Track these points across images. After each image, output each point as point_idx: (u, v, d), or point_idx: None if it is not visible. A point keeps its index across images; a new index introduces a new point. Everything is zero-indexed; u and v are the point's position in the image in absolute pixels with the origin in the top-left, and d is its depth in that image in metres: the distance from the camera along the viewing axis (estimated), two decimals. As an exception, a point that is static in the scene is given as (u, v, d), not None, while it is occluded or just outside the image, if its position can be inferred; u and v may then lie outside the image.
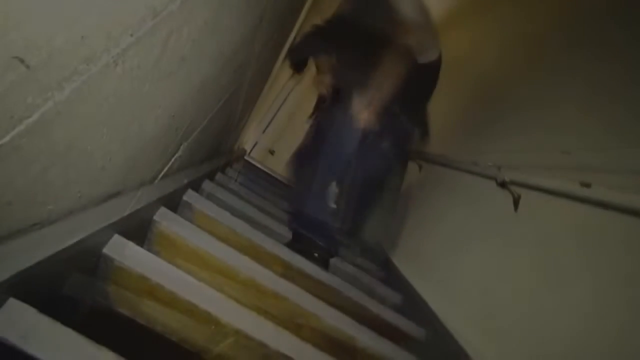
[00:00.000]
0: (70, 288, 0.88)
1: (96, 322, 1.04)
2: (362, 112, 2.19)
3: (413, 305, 1.94)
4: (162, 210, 1.33)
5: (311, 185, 2.28)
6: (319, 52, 2.56)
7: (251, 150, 4.53)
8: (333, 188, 2.49)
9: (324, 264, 2.10)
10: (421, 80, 2.40)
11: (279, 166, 4.66)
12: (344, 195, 2.42)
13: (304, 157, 2.47)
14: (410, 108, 2.40)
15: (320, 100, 2.64)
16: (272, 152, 5.79)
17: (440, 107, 3.23)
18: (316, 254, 2.10)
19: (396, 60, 2.20)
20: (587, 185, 1.25)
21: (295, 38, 3.06)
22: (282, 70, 3.60)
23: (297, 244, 2.09)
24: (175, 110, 1.16)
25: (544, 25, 2.30)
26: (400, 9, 2.14)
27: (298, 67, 2.76)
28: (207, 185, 1.98)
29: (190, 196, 1.63)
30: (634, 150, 1.26)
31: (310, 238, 2.16)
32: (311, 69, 2.80)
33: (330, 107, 2.44)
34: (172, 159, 1.46)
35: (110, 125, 0.80)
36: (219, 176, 2.36)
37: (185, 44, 0.95)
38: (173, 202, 1.51)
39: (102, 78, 0.67)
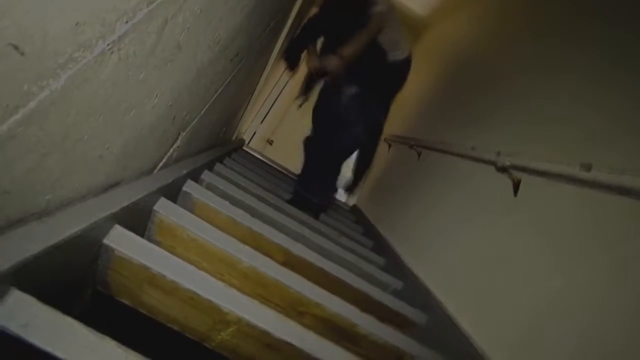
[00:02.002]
0: (70, 278, 0.88)
1: (97, 312, 1.04)
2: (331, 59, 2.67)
3: (414, 291, 1.94)
4: (162, 200, 1.32)
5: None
6: (309, 41, 3.02)
7: (250, 140, 4.52)
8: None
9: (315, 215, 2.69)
10: (390, 77, 2.90)
11: (278, 156, 4.66)
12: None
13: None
14: (379, 98, 2.89)
15: (308, 78, 3.04)
16: (270, 142, 5.78)
17: (438, 93, 3.23)
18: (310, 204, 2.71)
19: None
20: (587, 167, 1.25)
21: (291, 31, 3.20)
22: (279, 59, 3.58)
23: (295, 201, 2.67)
24: (172, 98, 1.15)
25: (540, 9, 2.29)
26: (372, 9, 2.60)
27: (292, 64, 3.14)
28: (206, 175, 1.98)
29: (189, 186, 1.63)
30: (634, 131, 1.25)
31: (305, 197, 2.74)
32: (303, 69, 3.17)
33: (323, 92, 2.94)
34: (171, 149, 1.45)
35: (107, 114, 0.80)
36: (218, 166, 2.35)
37: (181, 31, 0.94)
38: (173, 193, 1.50)
39: (98, 65, 0.67)
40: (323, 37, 2.98)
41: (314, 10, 3.52)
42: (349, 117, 2.77)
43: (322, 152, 2.89)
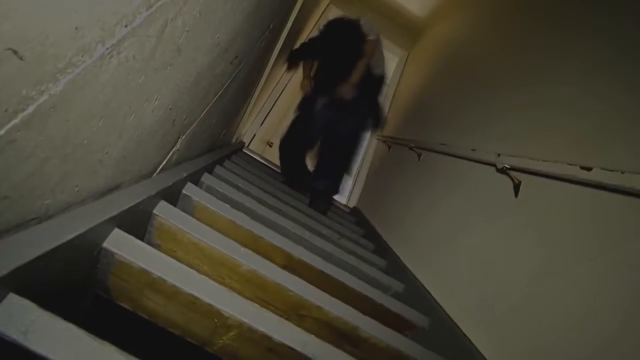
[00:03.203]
0: (70, 283, 0.87)
1: (97, 317, 1.04)
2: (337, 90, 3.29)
3: (415, 293, 1.94)
4: (162, 203, 1.32)
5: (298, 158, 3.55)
6: (306, 57, 3.72)
7: (250, 143, 4.52)
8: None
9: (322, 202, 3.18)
10: (373, 86, 3.53)
11: (278, 158, 4.65)
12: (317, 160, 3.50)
13: (292, 137, 3.54)
14: (367, 103, 3.48)
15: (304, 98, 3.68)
16: (270, 144, 5.78)
17: (438, 94, 3.23)
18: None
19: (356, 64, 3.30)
20: (587, 168, 1.24)
21: (291, 33, 3.39)
22: (279, 62, 3.59)
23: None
24: (172, 102, 1.15)
25: (540, 11, 2.29)
26: (367, 37, 3.30)
27: (292, 66, 3.86)
28: (206, 178, 1.97)
29: (189, 189, 1.63)
30: (635, 130, 1.25)
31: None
32: (299, 71, 3.88)
33: (309, 97, 3.55)
34: (171, 152, 1.45)
35: (107, 118, 0.79)
36: (218, 169, 2.35)
37: (180, 34, 0.94)
38: (172, 196, 1.50)
39: (98, 69, 0.67)
40: (319, 59, 3.64)
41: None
42: (339, 116, 3.35)
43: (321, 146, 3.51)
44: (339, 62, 3.37)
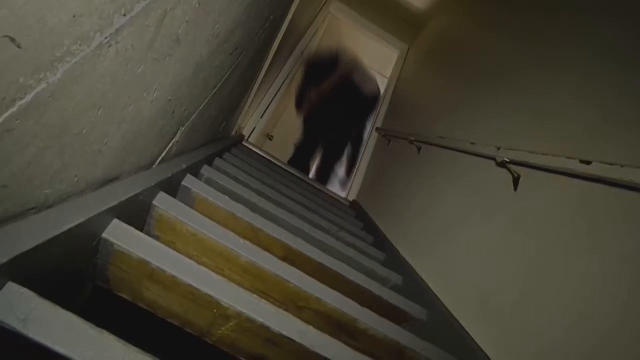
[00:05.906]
0: (70, 272, 0.87)
1: (96, 307, 1.04)
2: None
3: (414, 285, 1.94)
4: (161, 194, 1.32)
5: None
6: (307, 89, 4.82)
7: (249, 135, 4.51)
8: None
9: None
10: (364, 102, 4.67)
11: (278, 151, 4.66)
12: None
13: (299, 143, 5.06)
14: (356, 115, 4.63)
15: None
16: (270, 137, 5.77)
17: (437, 88, 3.22)
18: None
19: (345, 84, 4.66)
20: (587, 162, 1.24)
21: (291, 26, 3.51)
22: (279, 54, 3.58)
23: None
24: (171, 92, 1.15)
25: (539, 5, 2.28)
26: (349, 65, 4.43)
27: (299, 104, 4.97)
28: (206, 170, 1.97)
29: (189, 181, 1.63)
30: (635, 124, 1.25)
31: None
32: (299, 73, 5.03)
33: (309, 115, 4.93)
34: (170, 144, 1.45)
35: (106, 107, 0.79)
36: (217, 161, 2.35)
37: (179, 24, 0.94)
38: (172, 187, 1.50)
39: (96, 58, 0.66)
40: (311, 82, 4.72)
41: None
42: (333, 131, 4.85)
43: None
44: (324, 88, 4.64)
